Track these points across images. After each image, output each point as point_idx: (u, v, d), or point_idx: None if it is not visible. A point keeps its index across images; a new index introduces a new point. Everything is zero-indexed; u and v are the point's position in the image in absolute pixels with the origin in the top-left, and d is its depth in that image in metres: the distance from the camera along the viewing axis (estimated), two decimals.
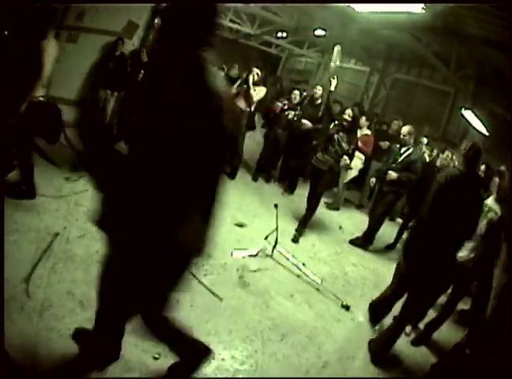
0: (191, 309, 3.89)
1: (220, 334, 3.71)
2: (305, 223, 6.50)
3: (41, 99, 4.43)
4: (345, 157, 6.30)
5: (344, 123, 6.34)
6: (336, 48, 6.69)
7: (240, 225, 6.06)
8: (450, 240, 4.00)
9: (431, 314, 4.75)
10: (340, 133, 6.33)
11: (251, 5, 15.46)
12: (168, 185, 2.11)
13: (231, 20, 17.15)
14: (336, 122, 6.50)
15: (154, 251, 2.20)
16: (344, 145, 6.29)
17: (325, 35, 13.93)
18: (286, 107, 8.57)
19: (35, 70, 4.25)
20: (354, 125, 6.48)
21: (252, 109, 8.18)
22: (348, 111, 6.38)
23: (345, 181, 8.66)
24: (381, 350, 4.17)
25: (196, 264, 2.54)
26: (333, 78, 6.60)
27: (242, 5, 15.77)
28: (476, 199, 4.12)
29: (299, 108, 8.47)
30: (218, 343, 3.58)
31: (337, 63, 6.70)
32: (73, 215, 4.76)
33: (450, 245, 4.06)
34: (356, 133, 6.78)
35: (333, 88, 6.62)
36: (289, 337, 4.00)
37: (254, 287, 4.64)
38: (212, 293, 4.23)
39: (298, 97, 8.68)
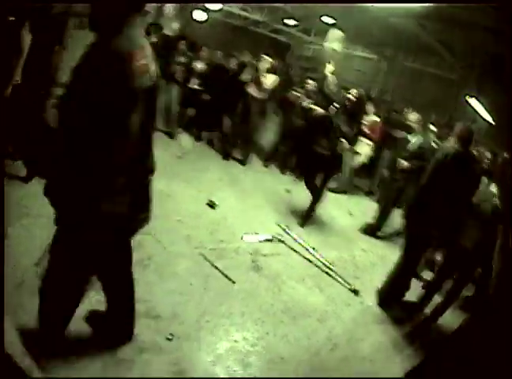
0: (205, 292, 3.97)
1: (232, 316, 3.78)
2: (311, 209, 6.47)
3: (18, 82, 4.62)
4: (343, 140, 6.14)
5: (347, 103, 6.18)
6: (334, 32, 6.52)
7: (211, 205, 5.98)
8: (446, 204, 4.48)
9: (437, 299, 4.82)
10: (342, 116, 6.16)
11: None
12: (91, 151, 2.10)
13: (240, 8, 17.12)
14: (337, 105, 6.29)
15: (83, 218, 2.22)
16: (345, 128, 6.13)
17: (333, 23, 13.86)
18: (301, 96, 8.57)
19: (17, 57, 4.47)
20: (358, 106, 6.33)
21: (263, 96, 8.20)
22: (353, 91, 6.24)
23: (352, 166, 8.68)
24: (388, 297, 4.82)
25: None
26: (329, 62, 6.47)
27: None
28: (469, 173, 4.61)
29: (314, 96, 8.43)
30: (231, 326, 3.66)
31: (335, 47, 6.53)
32: None
33: (446, 208, 4.51)
34: (359, 117, 6.65)
35: (327, 73, 6.49)
36: (300, 320, 4.07)
37: (267, 271, 4.71)
38: (226, 276, 4.31)
39: (312, 86, 8.65)
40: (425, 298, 4.84)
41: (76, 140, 2.12)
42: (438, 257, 5.61)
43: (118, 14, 2.14)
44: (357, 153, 8.30)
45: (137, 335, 3.11)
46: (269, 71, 8.09)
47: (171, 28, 11.48)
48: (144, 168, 2.40)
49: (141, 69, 2.10)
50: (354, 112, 6.23)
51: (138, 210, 2.43)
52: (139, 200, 2.39)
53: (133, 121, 2.10)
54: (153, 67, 2.22)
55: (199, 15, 17.35)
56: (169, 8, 12.42)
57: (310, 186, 6.46)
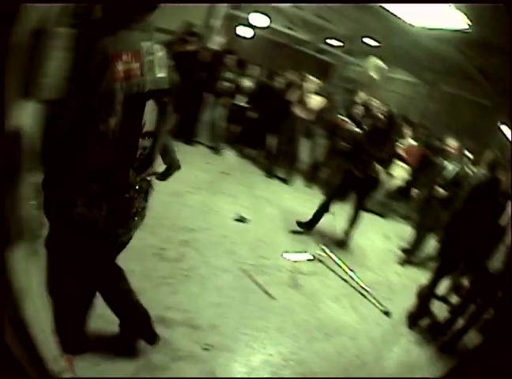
0: (244, 306, 4.11)
1: (269, 331, 3.90)
2: (349, 230, 6.46)
3: None
4: (375, 163, 5.99)
5: (377, 123, 6.08)
6: (373, 59, 6.51)
7: (241, 220, 6.08)
8: (477, 229, 4.63)
9: (460, 322, 4.86)
10: (373, 137, 6.03)
11: (302, 10, 15.69)
12: (65, 151, 2.05)
13: (285, 26, 17.31)
14: (365, 127, 6.27)
15: (59, 219, 2.22)
16: (374, 150, 5.96)
17: (377, 46, 13.97)
18: (347, 120, 8.60)
19: None
20: (390, 127, 6.07)
21: (308, 117, 8.27)
22: (383, 109, 6.18)
23: (388, 188, 8.70)
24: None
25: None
26: (362, 91, 6.38)
27: (293, 11, 16.00)
28: (496, 198, 4.68)
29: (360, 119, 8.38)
30: (267, 339, 3.78)
31: (372, 74, 6.50)
32: None
33: (477, 232, 4.64)
34: (392, 137, 6.34)
35: (358, 100, 6.41)
36: (333, 337, 4.19)
37: (305, 289, 4.85)
38: (266, 292, 4.45)
39: (359, 109, 8.64)
40: (449, 321, 4.94)
41: (53, 137, 1.97)
42: (465, 282, 5.68)
43: (131, 12, 2.06)
44: (391, 175, 8.33)
45: (174, 343, 3.23)
46: (316, 93, 8.21)
47: (216, 41, 11.69)
48: (124, 180, 2.25)
49: (124, 74, 1.97)
50: (385, 131, 6.04)
51: (115, 223, 2.31)
52: (117, 212, 2.27)
53: (107, 127, 1.98)
54: (151, 75, 2.14)
55: (245, 31, 17.63)
56: (217, 22, 12.67)
57: (323, 204, 6.40)
